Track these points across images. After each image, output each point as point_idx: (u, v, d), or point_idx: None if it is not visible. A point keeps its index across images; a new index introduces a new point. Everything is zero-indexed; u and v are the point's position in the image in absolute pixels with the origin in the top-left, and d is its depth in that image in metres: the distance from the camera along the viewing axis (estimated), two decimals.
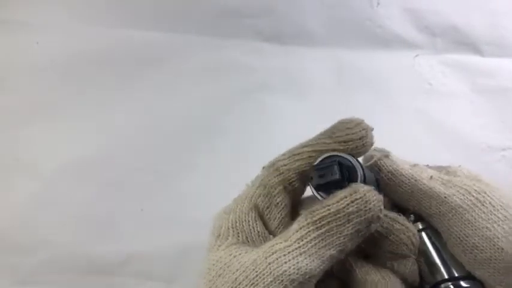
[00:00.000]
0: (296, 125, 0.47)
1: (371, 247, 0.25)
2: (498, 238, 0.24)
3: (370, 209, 0.22)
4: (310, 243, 0.22)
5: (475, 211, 0.25)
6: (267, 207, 0.26)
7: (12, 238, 0.43)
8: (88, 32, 0.51)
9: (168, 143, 0.47)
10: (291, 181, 0.26)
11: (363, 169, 0.24)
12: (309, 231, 0.23)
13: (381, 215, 0.23)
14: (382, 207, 0.23)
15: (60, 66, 0.50)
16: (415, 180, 0.26)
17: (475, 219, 0.25)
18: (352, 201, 0.22)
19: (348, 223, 0.22)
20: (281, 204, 0.26)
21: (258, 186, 0.27)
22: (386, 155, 0.27)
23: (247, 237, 0.25)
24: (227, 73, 0.50)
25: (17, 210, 0.44)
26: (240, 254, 0.24)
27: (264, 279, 0.22)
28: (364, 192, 0.22)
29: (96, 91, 0.49)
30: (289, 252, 0.22)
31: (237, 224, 0.26)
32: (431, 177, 0.26)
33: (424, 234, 0.28)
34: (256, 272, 0.22)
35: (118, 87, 0.49)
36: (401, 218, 0.25)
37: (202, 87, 0.49)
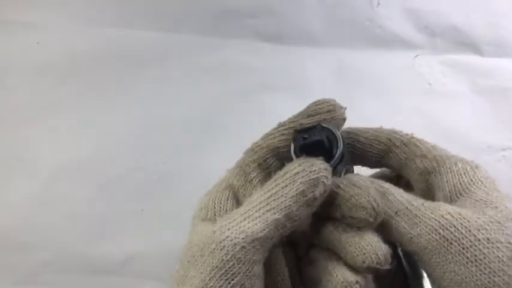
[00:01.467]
0: None
1: (333, 212, 0.25)
2: (466, 283, 0.21)
3: (314, 171, 0.23)
4: (256, 207, 0.23)
5: (441, 252, 0.22)
6: (242, 185, 0.27)
7: (12, 238, 0.43)
8: (88, 32, 0.51)
9: (168, 143, 0.47)
10: (264, 158, 0.27)
11: (343, 142, 0.25)
12: (257, 197, 0.23)
13: (326, 182, 0.23)
14: (329, 175, 0.23)
15: (60, 66, 0.50)
16: (383, 220, 0.24)
17: (442, 261, 0.22)
18: (300, 164, 0.23)
19: (293, 184, 0.23)
20: (255, 180, 0.27)
21: (235, 167, 0.28)
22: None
23: (215, 215, 0.26)
24: (227, 73, 0.50)
25: (17, 210, 0.44)
26: (202, 231, 0.24)
27: (208, 247, 0.22)
28: (312, 159, 0.23)
29: (96, 91, 0.49)
30: (234, 220, 0.22)
31: (210, 203, 0.27)
32: (396, 212, 0.24)
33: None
34: (204, 242, 0.22)
35: (118, 87, 0.49)
36: (361, 182, 0.24)
37: (202, 87, 0.49)
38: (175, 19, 0.52)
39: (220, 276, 0.21)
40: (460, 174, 0.25)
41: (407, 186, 0.28)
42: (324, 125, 0.25)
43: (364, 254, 0.22)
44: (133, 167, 0.46)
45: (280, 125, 0.28)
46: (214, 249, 0.22)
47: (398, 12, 0.53)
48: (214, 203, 0.27)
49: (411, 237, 0.23)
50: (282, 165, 0.26)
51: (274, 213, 0.22)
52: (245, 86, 0.50)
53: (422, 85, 0.51)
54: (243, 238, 0.21)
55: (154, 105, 0.49)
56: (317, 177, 0.23)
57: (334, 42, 0.52)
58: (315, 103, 0.27)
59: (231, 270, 0.21)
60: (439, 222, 0.22)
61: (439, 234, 0.22)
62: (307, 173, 0.23)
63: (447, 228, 0.22)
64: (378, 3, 0.53)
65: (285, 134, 0.27)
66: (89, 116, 0.48)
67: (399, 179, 0.30)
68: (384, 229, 0.24)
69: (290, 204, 0.22)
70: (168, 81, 0.50)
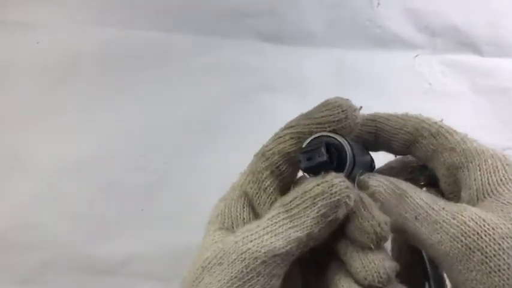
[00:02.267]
0: None
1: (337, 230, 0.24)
2: None
3: (335, 192, 0.22)
4: (278, 223, 0.22)
5: (463, 260, 0.21)
6: (256, 193, 0.26)
7: (12, 238, 0.43)
8: (88, 32, 0.51)
9: (168, 143, 0.47)
10: (277, 165, 0.26)
11: (351, 148, 0.24)
12: (279, 213, 0.23)
13: (349, 202, 0.22)
14: (351, 194, 0.22)
15: (60, 66, 0.50)
16: (401, 222, 0.24)
17: (464, 269, 0.21)
18: (318, 184, 0.22)
19: (314, 206, 0.22)
20: (269, 189, 0.26)
21: (248, 173, 0.27)
22: (370, 193, 0.25)
23: (232, 224, 0.26)
24: (227, 73, 0.50)
25: (17, 210, 0.44)
26: (219, 239, 0.24)
27: (228, 257, 0.22)
28: (331, 178, 0.22)
29: (96, 91, 0.49)
30: (256, 232, 0.22)
31: (226, 211, 0.26)
32: (416, 217, 0.23)
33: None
34: (224, 250, 0.22)
35: (118, 87, 0.49)
36: (372, 205, 0.23)
37: (202, 87, 0.49)
38: (175, 19, 0.52)
39: (237, 287, 0.21)
40: (489, 173, 0.24)
41: (432, 177, 0.27)
42: (330, 134, 0.24)
43: (366, 271, 0.22)
44: (133, 167, 0.46)
45: (289, 126, 0.27)
46: (235, 259, 0.22)
47: (398, 13, 0.53)
48: (231, 211, 0.26)
49: (431, 244, 0.22)
50: (295, 170, 0.27)
51: (297, 231, 0.22)
52: (245, 86, 0.50)
53: (422, 85, 0.51)
54: (264, 252, 0.21)
55: (154, 105, 0.49)
56: (339, 199, 0.22)
57: (334, 43, 0.52)
58: (327, 106, 0.25)
59: (249, 282, 0.21)
60: (462, 229, 0.21)
61: (461, 242, 0.21)
62: (327, 195, 0.22)
63: (470, 236, 0.21)
64: (378, 4, 0.53)
65: (294, 137, 0.26)
66: (89, 116, 0.48)
67: (423, 169, 0.29)
68: (404, 233, 0.24)
69: (312, 225, 0.22)
70: (168, 81, 0.50)
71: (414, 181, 0.27)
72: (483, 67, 0.51)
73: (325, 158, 0.23)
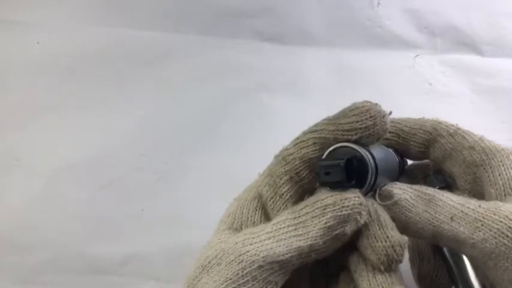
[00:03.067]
0: (296, 125, 0.46)
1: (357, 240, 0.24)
2: None
3: (347, 206, 0.21)
4: (283, 229, 0.22)
5: (510, 257, 0.20)
6: (271, 198, 0.25)
7: (12, 238, 0.43)
8: (88, 32, 0.51)
9: (168, 143, 0.47)
10: (297, 171, 0.25)
11: (375, 161, 0.23)
12: (286, 219, 0.22)
13: (359, 218, 0.21)
14: (363, 211, 0.21)
15: (60, 66, 0.50)
16: (434, 226, 0.23)
17: (506, 269, 0.20)
18: (332, 195, 0.22)
19: (322, 216, 0.21)
20: (286, 195, 0.25)
21: (266, 175, 0.26)
22: (395, 202, 0.23)
23: (241, 225, 0.25)
24: (227, 73, 0.50)
25: (17, 210, 0.44)
26: (225, 239, 0.24)
27: (227, 257, 0.22)
28: (346, 192, 0.22)
29: (97, 91, 0.49)
30: (258, 235, 0.22)
31: (237, 212, 0.26)
32: (451, 218, 0.22)
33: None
34: (224, 251, 0.22)
35: (118, 87, 0.49)
36: (388, 225, 0.22)
37: (202, 87, 0.49)
38: (175, 19, 0.52)
39: None
40: None
41: (446, 182, 0.27)
42: (354, 146, 0.23)
43: None
44: (133, 167, 0.46)
45: (313, 130, 0.25)
46: (232, 261, 0.21)
47: (398, 12, 0.53)
48: (242, 212, 0.26)
49: (474, 243, 0.21)
50: (316, 177, 0.25)
51: (300, 240, 0.21)
52: (245, 86, 0.49)
53: (422, 85, 0.50)
54: (263, 257, 0.21)
55: (154, 105, 0.49)
56: (349, 213, 0.21)
57: (334, 42, 0.52)
58: (354, 110, 0.23)
59: (244, 286, 0.21)
60: (506, 224, 0.21)
61: (508, 237, 0.20)
62: (338, 207, 0.21)
63: None
64: (378, 3, 0.53)
65: (318, 143, 0.24)
66: (89, 116, 0.48)
67: (437, 174, 0.28)
68: (439, 237, 0.23)
69: (317, 236, 0.21)
70: (168, 81, 0.50)
71: (428, 186, 0.26)
72: (483, 67, 0.51)
73: (343, 177, 0.22)
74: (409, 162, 0.31)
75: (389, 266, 0.22)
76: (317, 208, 0.22)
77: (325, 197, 0.22)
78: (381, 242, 0.22)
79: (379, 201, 0.23)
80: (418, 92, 0.50)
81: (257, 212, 0.25)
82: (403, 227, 0.23)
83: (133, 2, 0.52)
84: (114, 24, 0.51)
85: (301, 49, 0.51)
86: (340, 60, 0.51)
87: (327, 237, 0.21)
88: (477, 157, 0.25)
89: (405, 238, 0.23)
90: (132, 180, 0.45)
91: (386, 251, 0.22)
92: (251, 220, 0.25)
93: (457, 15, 0.52)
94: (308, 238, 0.21)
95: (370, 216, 0.22)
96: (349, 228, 0.21)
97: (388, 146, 0.28)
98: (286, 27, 0.52)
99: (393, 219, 0.23)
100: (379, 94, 0.50)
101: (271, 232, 0.22)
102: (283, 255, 0.21)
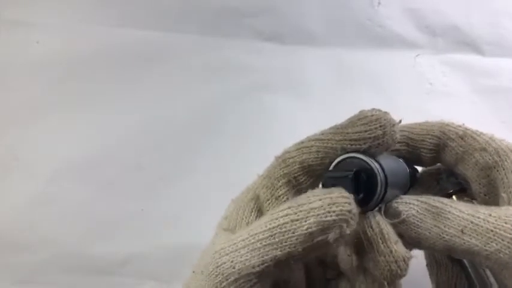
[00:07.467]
0: (296, 125, 0.47)
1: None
2: None
3: (333, 211, 0.19)
4: (258, 235, 0.20)
5: None
6: (268, 200, 0.25)
7: (12, 238, 0.43)
8: (88, 31, 0.51)
9: (168, 143, 0.47)
10: (295, 175, 0.24)
11: (384, 173, 0.22)
12: (264, 223, 0.21)
13: (345, 227, 0.20)
14: (352, 220, 0.20)
15: (60, 66, 0.50)
16: (445, 240, 0.22)
17: None
18: (320, 199, 0.20)
19: (304, 221, 0.20)
20: (282, 198, 0.24)
21: (265, 177, 0.25)
22: (403, 220, 0.22)
23: (235, 226, 0.25)
24: (227, 73, 0.50)
25: (17, 210, 0.44)
26: (216, 242, 0.23)
27: (207, 268, 0.21)
28: (336, 195, 0.20)
29: (96, 91, 0.49)
30: (234, 243, 0.21)
31: (233, 214, 0.25)
32: (462, 231, 0.21)
33: None
34: (205, 259, 0.21)
35: (118, 87, 0.49)
36: (392, 239, 0.21)
37: (202, 87, 0.49)
38: (175, 18, 0.52)
39: None
40: None
41: (460, 184, 0.26)
42: (363, 158, 0.22)
43: None
44: (133, 167, 0.45)
45: (319, 137, 0.24)
46: (211, 272, 0.20)
47: (399, 12, 0.53)
48: (238, 213, 0.25)
49: (487, 255, 0.21)
50: (314, 183, 0.25)
51: (276, 249, 0.20)
52: (245, 86, 0.49)
53: (423, 85, 0.50)
54: (238, 269, 0.20)
55: (155, 105, 0.49)
56: (334, 220, 0.19)
57: (334, 42, 0.52)
58: (362, 119, 0.22)
59: None
60: None
61: None
62: (324, 211, 0.20)
63: None
64: (379, 3, 0.53)
65: (321, 151, 0.23)
66: (89, 116, 0.48)
67: (450, 177, 0.27)
68: (452, 251, 0.22)
69: (296, 243, 0.20)
70: (168, 80, 0.50)
71: (443, 190, 0.26)
72: (484, 67, 0.51)
73: (351, 190, 0.21)
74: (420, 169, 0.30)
75: (392, 281, 0.21)
76: (301, 211, 0.20)
77: (313, 199, 0.20)
78: (384, 256, 0.21)
79: (386, 219, 0.22)
80: (418, 91, 0.50)
81: (252, 214, 0.25)
82: (415, 243, 0.23)
83: (133, 2, 0.52)
84: (114, 24, 0.51)
85: (301, 49, 0.51)
86: (340, 60, 0.51)
87: (307, 243, 0.20)
88: (489, 159, 0.24)
89: (410, 252, 0.22)
90: (132, 180, 0.45)
91: (390, 267, 0.21)
92: (245, 221, 0.25)
93: (457, 15, 0.52)
94: (285, 246, 0.20)
95: (373, 229, 0.21)
96: (332, 237, 0.20)
97: (398, 156, 0.27)
98: (286, 27, 0.52)
99: (403, 235, 0.22)
100: (380, 94, 0.50)
101: (247, 239, 0.20)
102: (258, 266, 0.20)
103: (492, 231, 0.21)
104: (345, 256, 0.24)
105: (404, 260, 0.21)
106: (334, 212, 0.19)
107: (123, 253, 0.42)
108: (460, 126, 0.26)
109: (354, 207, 0.20)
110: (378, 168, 0.22)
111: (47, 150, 0.46)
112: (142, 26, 0.51)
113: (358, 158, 0.22)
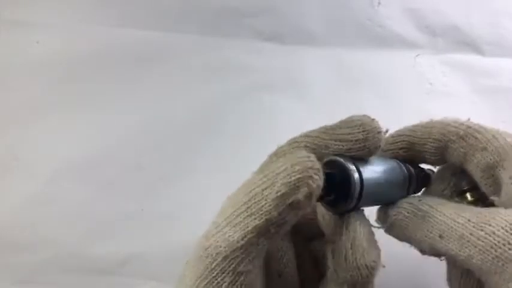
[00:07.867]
0: (296, 125, 0.46)
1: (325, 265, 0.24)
2: None
3: (297, 170, 0.20)
4: (237, 211, 0.21)
5: (497, 273, 0.20)
6: None
7: (12, 238, 0.43)
8: (88, 31, 0.51)
9: (168, 143, 0.47)
10: None
11: (361, 176, 0.23)
12: (240, 198, 0.21)
13: (311, 183, 0.20)
14: (315, 175, 0.20)
15: (60, 66, 0.50)
16: (429, 244, 0.23)
17: (500, 281, 0.20)
18: (283, 163, 0.21)
19: (273, 186, 0.20)
20: None
21: (258, 173, 0.26)
22: (391, 224, 0.24)
23: None
24: (227, 73, 0.50)
25: (17, 210, 0.44)
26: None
27: (197, 253, 0.21)
28: (296, 157, 0.21)
29: (96, 91, 0.49)
30: (219, 224, 0.21)
31: (228, 210, 0.26)
32: (440, 235, 0.22)
33: None
34: (195, 246, 0.22)
35: (118, 87, 0.49)
36: (359, 245, 0.22)
37: (202, 87, 0.49)
38: (175, 18, 0.52)
39: (204, 286, 0.20)
40: None
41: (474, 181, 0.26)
42: (341, 160, 0.23)
43: None
44: (133, 167, 0.45)
45: (309, 134, 0.25)
46: (201, 256, 0.21)
47: (399, 12, 0.53)
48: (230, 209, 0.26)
49: (462, 259, 0.21)
50: None
51: (255, 219, 0.20)
52: (245, 86, 0.49)
53: (423, 85, 0.50)
54: (225, 247, 0.20)
55: (154, 104, 0.49)
56: (299, 177, 0.20)
57: (334, 42, 0.52)
58: (349, 123, 0.24)
59: (215, 281, 0.20)
60: (490, 241, 0.20)
61: (492, 254, 0.20)
62: (288, 173, 0.20)
63: (500, 247, 0.20)
64: (379, 3, 0.53)
65: (310, 147, 0.24)
66: (89, 116, 0.48)
67: (462, 174, 0.27)
68: (438, 254, 0.23)
69: (270, 209, 0.20)
70: (167, 80, 0.50)
71: (457, 187, 0.26)
72: (484, 67, 0.51)
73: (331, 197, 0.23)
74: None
75: (354, 286, 0.22)
76: (268, 178, 0.21)
77: (277, 166, 0.21)
78: (349, 262, 0.22)
79: (377, 225, 0.24)
80: (418, 91, 0.50)
81: None
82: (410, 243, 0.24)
83: (133, 2, 0.52)
84: (114, 23, 0.51)
85: (302, 49, 0.51)
86: (340, 60, 0.51)
87: (280, 208, 0.20)
88: (490, 159, 0.23)
89: (376, 260, 0.22)
90: (132, 180, 0.45)
91: (352, 273, 0.22)
92: None
93: (457, 15, 0.52)
94: (262, 214, 0.20)
95: (344, 233, 0.22)
96: (301, 195, 0.20)
97: (403, 160, 0.27)
98: (286, 27, 0.52)
99: (394, 237, 0.23)
100: (380, 94, 0.50)
101: (228, 217, 0.21)
102: (242, 239, 0.20)
103: (466, 237, 0.21)
104: (326, 216, 0.25)
105: (367, 268, 0.21)
106: (297, 170, 0.20)
107: (123, 253, 0.42)
108: (462, 124, 0.25)
109: (315, 164, 0.21)
110: (353, 170, 0.23)
111: (47, 150, 0.46)
112: (142, 26, 0.51)
113: (339, 160, 0.23)
